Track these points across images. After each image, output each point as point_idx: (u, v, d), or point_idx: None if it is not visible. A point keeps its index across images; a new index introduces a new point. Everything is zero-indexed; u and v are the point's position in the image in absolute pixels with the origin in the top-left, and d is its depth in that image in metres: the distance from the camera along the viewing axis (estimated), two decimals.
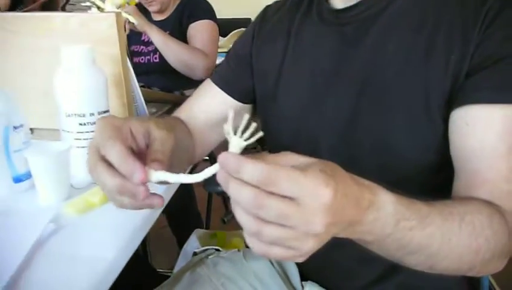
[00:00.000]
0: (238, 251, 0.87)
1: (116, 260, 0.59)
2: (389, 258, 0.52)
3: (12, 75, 0.98)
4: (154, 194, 0.50)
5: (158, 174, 0.49)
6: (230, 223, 1.01)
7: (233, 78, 0.80)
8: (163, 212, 1.74)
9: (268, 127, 0.79)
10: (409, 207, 0.48)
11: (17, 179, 0.76)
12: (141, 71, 1.76)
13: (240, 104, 0.80)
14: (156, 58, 1.84)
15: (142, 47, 1.89)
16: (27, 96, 0.96)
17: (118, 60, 0.90)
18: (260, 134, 0.43)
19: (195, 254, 0.93)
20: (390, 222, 0.46)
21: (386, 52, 0.64)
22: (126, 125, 0.52)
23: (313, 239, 0.39)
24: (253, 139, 0.43)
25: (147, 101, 1.10)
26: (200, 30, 1.82)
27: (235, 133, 0.43)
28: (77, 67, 0.77)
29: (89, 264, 0.57)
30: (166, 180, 0.49)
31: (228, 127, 0.43)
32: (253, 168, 0.38)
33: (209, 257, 0.86)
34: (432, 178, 0.65)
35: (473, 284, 0.77)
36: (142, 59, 1.88)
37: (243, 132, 0.43)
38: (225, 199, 2.02)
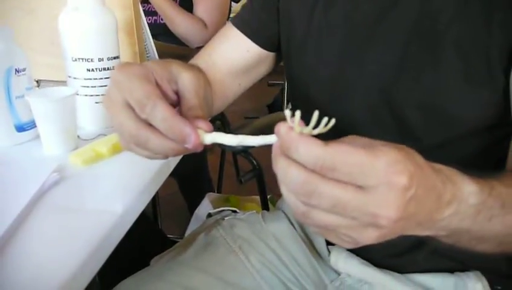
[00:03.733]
0: (257, 212, 0.81)
1: (125, 215, 0.53)
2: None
3: (13, 19, 0.91)
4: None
5: (212, 136, 0.42)
6: (246, 184, 0.95)
7: (258, 22, 0.72)
8: (174, 176, 1.70)
9: (295, 81, 0.71)
10: (491, 193, 0.41)
11: (20, 128, 0.70)
12: None
13: (265, 52, 0.72)
14: (162, 19, 1.67)
15: (146, 5, 1.74)
16: (31, 44, 0.89)
17: (129, 4, 0.83)
18: (332, 123, 0.34)
19: (209, 215, 0.87)
20: (471, 214, 0.40)
21: None
22: (149, 72, 0.44)
23: (373, 232, 0.33)
24: (323, 129, 0.34)
25: (160, 56, 1.03)
26: None
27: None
28: (84, 6, 0.70)
29: (95, 218, 0.51)
30: (221, 143, 0.41)
31: (296, 124, 0.33)
32: (308, 150, 0.31)
33: (225, 218, 0.80)
34: (484, 138, 0.58)
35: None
36: (149, 19, 1.70)
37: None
38: (237, 165, 1.97)
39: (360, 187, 0.31)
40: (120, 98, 0.42)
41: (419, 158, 0.35)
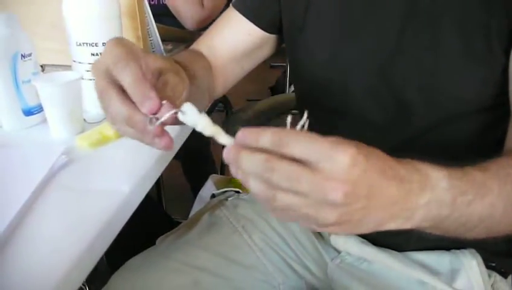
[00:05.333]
0: None
1: (131, 195, 0.55)
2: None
3: (15, 4, 0.92)
4: (164, 133, 0.43)
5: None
6: None
7: (259, 5, 0.72)
8: (178, 158, 1.72)
9: (296, 61, 0.72)
10: (463, 178, 0.42)
11: (28, 112, 0.72)
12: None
13: (267, 34, 0.73)
14: None
15: None
16: (33, 28, 0.90)
17: None
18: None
19: (213, 196, 0.89)
20: (447, 200, 0.41)
21: None
22: (139, 52, 0.45)
23: (330, 209, 0.35)
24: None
25: (163, 40, 1.04)
26: None
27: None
28: None
29: (103, 198, 0.53)
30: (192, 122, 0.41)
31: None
32: (267, 134, 0.35)
33: (229, 199, 0.82)
34: (483, 117, 0.59)
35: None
36: (152, 0, 1.74)
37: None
38: None
39: (311, 165, 0.34)
40: (103, 63, 0.43)
41: (378, 151, 0.37)
